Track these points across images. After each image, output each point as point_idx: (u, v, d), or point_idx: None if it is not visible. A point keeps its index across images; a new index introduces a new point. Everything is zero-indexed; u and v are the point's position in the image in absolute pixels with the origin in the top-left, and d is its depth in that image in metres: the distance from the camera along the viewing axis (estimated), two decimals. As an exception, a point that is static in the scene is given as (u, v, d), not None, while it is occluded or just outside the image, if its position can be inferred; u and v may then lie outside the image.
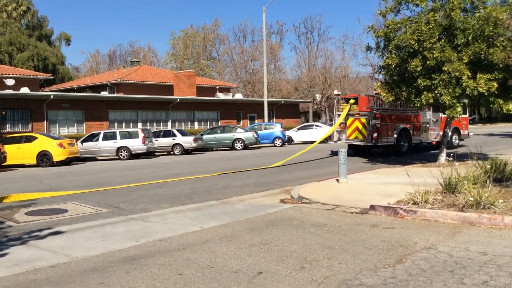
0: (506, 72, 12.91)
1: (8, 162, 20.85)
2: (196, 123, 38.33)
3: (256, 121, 41.06)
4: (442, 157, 15.01)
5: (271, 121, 39.39)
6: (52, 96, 29.91)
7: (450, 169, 8.63)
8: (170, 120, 36.44)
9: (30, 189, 13.22)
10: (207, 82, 52.73)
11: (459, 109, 14.01)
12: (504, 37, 12.95)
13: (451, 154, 12.96)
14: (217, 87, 49.77)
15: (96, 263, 5.79)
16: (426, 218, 7.40)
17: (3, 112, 27.59)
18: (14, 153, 21.16)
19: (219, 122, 39.36)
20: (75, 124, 31.18)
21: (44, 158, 21.37)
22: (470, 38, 12.99)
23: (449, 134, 22.02)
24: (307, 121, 54.55)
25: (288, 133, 33.88)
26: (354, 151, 21.03)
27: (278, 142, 31.90)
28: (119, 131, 25.47)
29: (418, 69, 13.46)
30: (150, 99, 35.20)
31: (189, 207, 9.55)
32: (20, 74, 37.94)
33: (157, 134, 27.85)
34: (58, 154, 21.31)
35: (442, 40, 13.38)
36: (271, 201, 9.96)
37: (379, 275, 4.96)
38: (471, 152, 12.39)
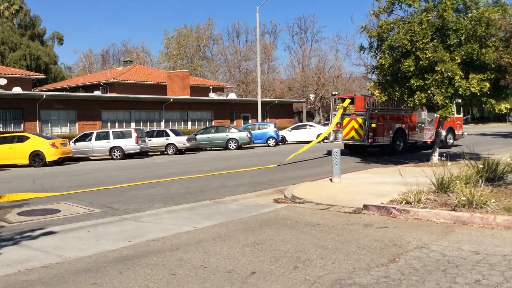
0: (498, 72, 12.99)
1: (0, 162, 20.75)
2: (189, 123, 38.26)
3: (249, 121, 41.06)
4: (435, 157, 15.08)
5: (265, 121, 39.39)
6: (44, 96, 29.78)
7: (443, 169, 8.68)
8: (163, 120, 36.37)
9: (22, 189, 13.13)
10: (201, 82, 52.61)
11: (451, 109, 14.10)
12: (496, 38, 13.04)
13: (444, 154, 13.02)
14: (211, 87, 49.67)
15: (89, 263, 5.76)
16: (419, 217, 7.43)
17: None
18: (6, 153, 21.06)
19: (213, 122, 39.32)
20: (68, 124, 31.03)
21: (36, 158, 21.23)
22: (462, 38, 13.08)
23: (444, 134, 22.17)
24: (301, 121, 54.67)
25: (281, 133, 33.89)
26: (350, 150, 21.12)
27: (272, 142, 31.90)
28: (112, 131, 25.37)
29: (411, 69, 13.53)
30: (143, 99, 35.11)
31: (183, 207, 9.53)
32: (12, 74, 37.65)
33: (150, 134, 27.76)
34: (51, 154, 21.19)
35: (435, 41, 13.46)
36: (265, 201, 9.96)
37: (372, 274, 4.98)
38: (464, 152, 12.46)
